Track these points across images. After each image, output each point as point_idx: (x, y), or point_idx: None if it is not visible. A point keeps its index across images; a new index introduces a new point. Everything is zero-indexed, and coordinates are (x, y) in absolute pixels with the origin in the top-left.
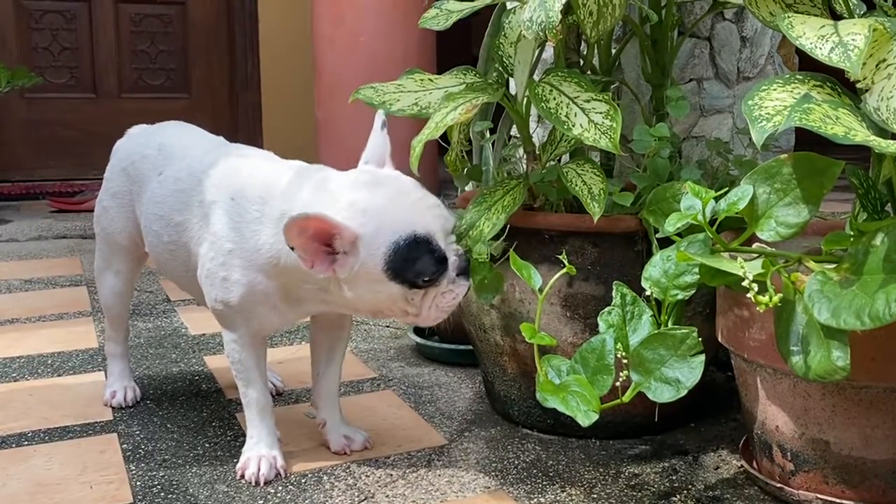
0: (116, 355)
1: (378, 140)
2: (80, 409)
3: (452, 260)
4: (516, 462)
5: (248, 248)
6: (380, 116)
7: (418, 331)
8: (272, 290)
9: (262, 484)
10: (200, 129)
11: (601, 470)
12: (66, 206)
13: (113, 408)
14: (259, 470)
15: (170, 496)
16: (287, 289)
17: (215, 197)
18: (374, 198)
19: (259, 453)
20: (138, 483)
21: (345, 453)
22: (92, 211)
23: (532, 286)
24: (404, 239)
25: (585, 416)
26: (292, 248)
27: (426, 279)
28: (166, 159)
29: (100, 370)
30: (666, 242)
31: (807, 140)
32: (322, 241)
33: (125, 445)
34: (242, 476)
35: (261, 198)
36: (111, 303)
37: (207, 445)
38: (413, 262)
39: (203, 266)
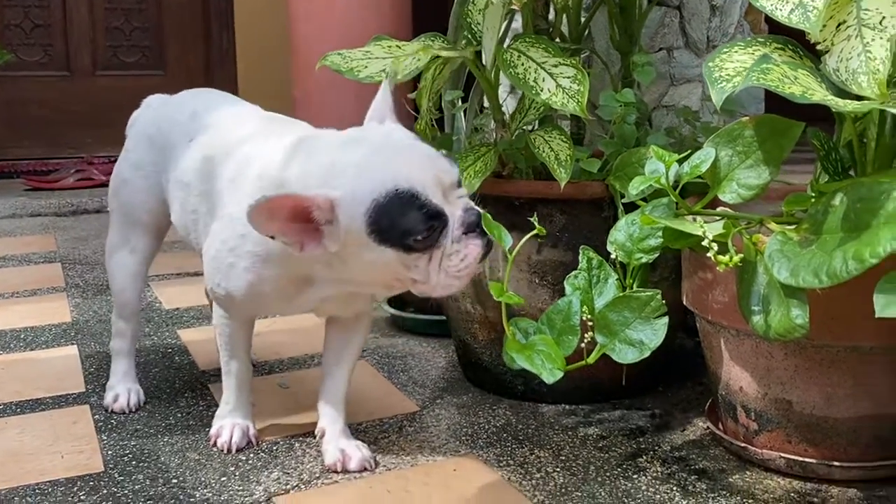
0: (122, 353)
1: (379, 97)
2: (52, 382)
3: (458, 215)
4: (486, 427)
5: (259, 237)
6: (385, 82)
7: (393, 302)
8: (281, 277)
9: (233, 451)
10: (234, 97)
11: (569, 433)
12: (42, 184)
13: (114, 412)
14: (231, 437)
15: (141, 464)
16: (299, 273)
17: (239, 174)
18: (353, 155)
19: (233, 421)
20: (109, 452)
21: (336, 471)
22: (66, 189)
23: (503, 245)
24: (384, 195)
25: (550, 374)
26: (272, 238)
27: (418, 239)
28: (200, 127)
29: (72, 344)
30: (632, 208)
31: (778, 108)
32: (301, 219)
33: (97, 416)
34: (215, 444)
35: (280, 181)
36: (123, 285)
37: (179, 415)
38: (398, 220)
39: (211, 245)
